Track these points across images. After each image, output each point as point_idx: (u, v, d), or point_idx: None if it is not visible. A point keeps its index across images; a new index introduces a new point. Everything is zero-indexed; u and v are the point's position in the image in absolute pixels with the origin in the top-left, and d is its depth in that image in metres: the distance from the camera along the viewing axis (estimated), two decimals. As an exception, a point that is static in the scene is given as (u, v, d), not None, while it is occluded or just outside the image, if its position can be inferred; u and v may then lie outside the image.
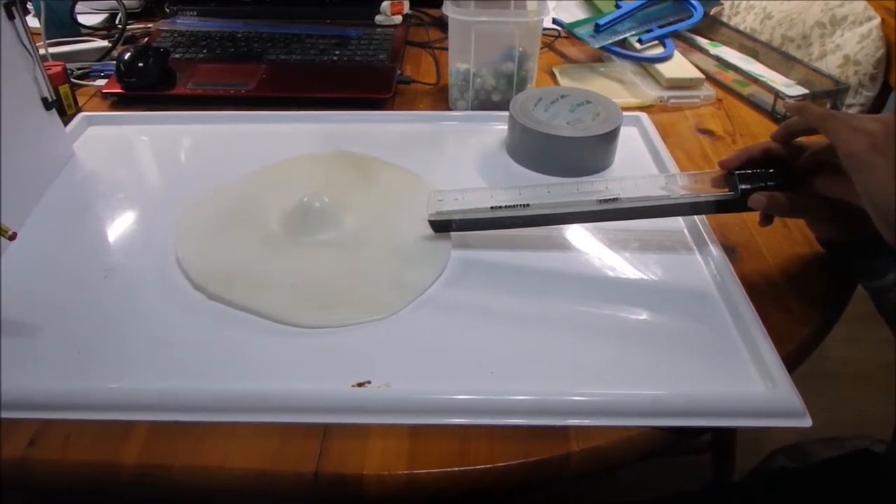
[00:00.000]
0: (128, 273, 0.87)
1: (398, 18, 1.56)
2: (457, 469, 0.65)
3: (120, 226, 0.95)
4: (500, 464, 0.65)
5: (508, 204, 0.88)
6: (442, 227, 0.90)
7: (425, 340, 0.77)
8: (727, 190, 0.85)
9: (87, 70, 1.37)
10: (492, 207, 0.88)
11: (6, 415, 0.69)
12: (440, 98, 1.32)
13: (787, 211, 0.82)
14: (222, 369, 0.74)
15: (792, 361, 0.76)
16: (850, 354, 2.03)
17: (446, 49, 1.30)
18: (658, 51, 1.40)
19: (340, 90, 1.29)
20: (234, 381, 0.72)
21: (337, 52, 1.42)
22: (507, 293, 0.84)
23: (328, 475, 0.64)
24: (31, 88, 0.99)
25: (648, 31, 1.43)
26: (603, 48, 1.41)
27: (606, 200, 0.87)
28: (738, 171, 0.83)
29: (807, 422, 0.69)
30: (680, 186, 0.88)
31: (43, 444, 0.67)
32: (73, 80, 1.30)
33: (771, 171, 0.83)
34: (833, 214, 0.81)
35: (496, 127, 1.18)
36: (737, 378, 0.73)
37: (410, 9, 1.61)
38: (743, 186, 0.82)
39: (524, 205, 0.88)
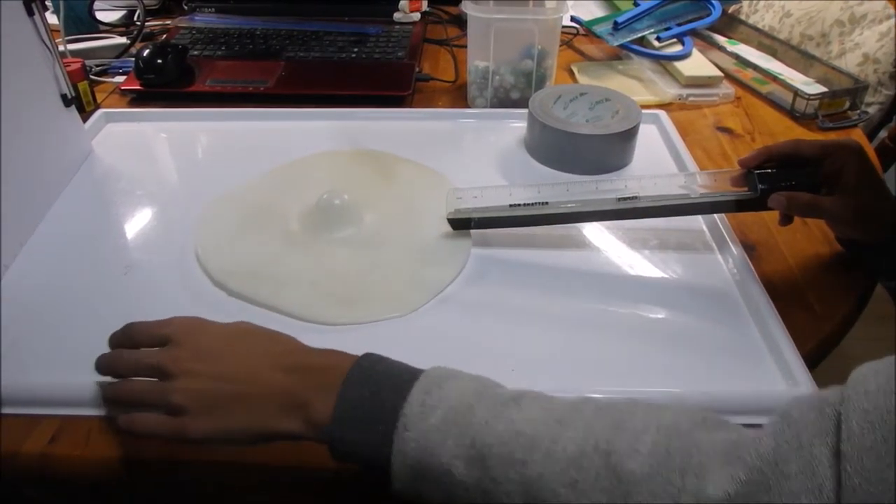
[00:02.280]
0: (147, 269, 0.87)
1: (416, 16, 1.56)
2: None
3: (139, 222, 0.96)
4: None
5: (527, 202, 0.88)
6: (461, 224, 0.90)
7: (445, 338, 0.77)
8: (746, 189, 0.85)
9: (105, 67, 1.38)
10: (511, 205, 0.88)
11: (27, 411, 0.69)
12: (459, 96, 1.32)
13: (806, 211, 0.82)
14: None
15: (812, 360, 0.76)
16: (868, 354, 1.99)
17: (465, 47, 1.30)
18: (677, 49, 1.40)
19: (359, 87, 1.30)
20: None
21: (355, 50, 1.42)
22: (527, 291, 0.84)
23: (349, 471, 0.64)
24: (51, 85, 0.99)
25: (667, 28, 1.43)
26: (621, 46, 1.41)
27: (626, 199, 0.86)
28: (757, 171, 0.83)
29: (827, 420, 0.68)
30: (699, 185, 0.88)
31: (64, 440, 0.67)
32: (91, 76, 1.31)
33: (791, 171, 0.82)
34: (854, 216, 0.80)
35: (515, 125, 1.18)
36: (757, 376, 0.73)
37: (429, 6, 1.60)
38: (762, 186, 0.82)
39: (543, 203, 0.88)
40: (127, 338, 0.66)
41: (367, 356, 0.59)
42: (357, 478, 0.64)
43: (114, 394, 0.64)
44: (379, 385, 0.56)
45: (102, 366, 0.65)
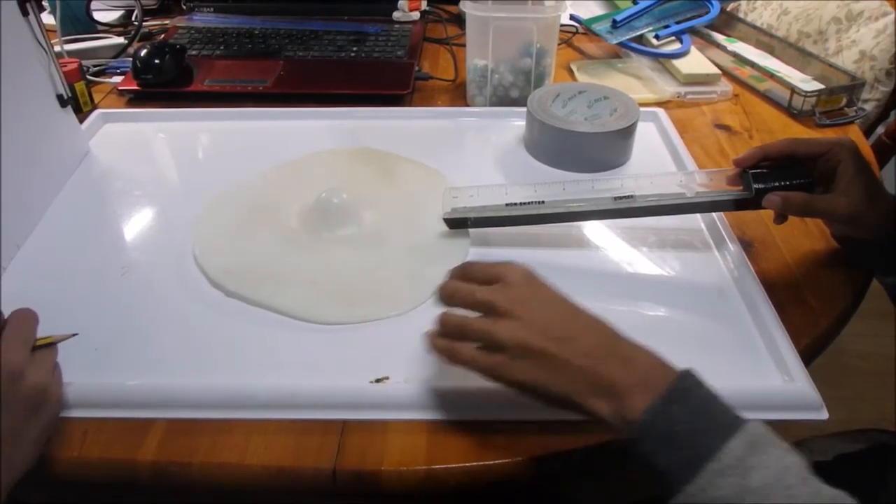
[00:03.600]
0: (145, 270, 0.87)
1: (416, 15, 1.56)
2: (475, 464, 0.65)
3: (137, 223, 0.96)
4: (520, 458, 0.65)
5: (524, 201, 0.88)
6: (457, 224, 0.90)
7: (443, 336, 0.77)
8: (742, 189, 0.85)
9: (102, 67, 1.38)
10: (507, 204, 0.89)
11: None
12: (458, 94, 1.32)
13: (801, 211, 0.81)
14: (240, 366, 0.74)
15: (808, 355, 0.76)
16: (865, 349, 2.02)
17: (464, 45, 1.30)
18: (675, 47, 1.40)
19: (358, 86, 1.30)
20: (253, 378, 0.72)
21: (355, 49, 1.42)
22: (525, 289, 0.84)
23: (347, 471, 0.64)
24: (47, 85, 0.99)
25: (665, 27, 1.43)
26: (620, 44, 1.41)
27: (622, 198, 0.87)
28: (752, 171, 0.83)
29: (823, 414, 0.69)
30: (696, 184, 0.88)
31: (61, 441, 0.67)
32: (88, 77, 1.31)
33: (786, 170, 0.82)
34: (849, 214, 0.80)
35: (514, 123, 1.18)
36: (754, 371, 0.74)
37: (428, 5, 1.60)
38: (757, 186, 0.82)
39: (540, 202, 0.88)
40: (463, 272, 0.70)
41: (690, 374, 0.59)
42: (355, 480, 0.65)
43: (443, 320, 0.66)
44: (699, 412, 0.57)
45: (444, 296, 0.69)
